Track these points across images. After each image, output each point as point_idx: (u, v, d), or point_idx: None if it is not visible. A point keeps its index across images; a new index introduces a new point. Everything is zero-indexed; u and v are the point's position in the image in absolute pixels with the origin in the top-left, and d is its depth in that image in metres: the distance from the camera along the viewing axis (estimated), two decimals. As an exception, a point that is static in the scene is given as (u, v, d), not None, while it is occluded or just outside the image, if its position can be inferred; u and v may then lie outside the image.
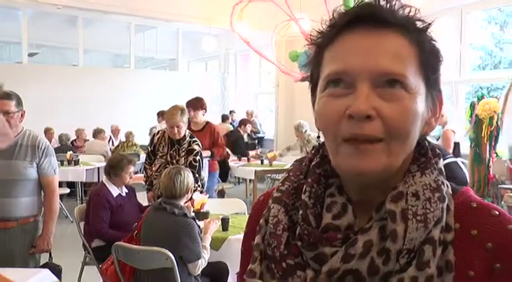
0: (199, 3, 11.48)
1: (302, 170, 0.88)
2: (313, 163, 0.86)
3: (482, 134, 6.90)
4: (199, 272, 3.28)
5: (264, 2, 7.74)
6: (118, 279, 3.36)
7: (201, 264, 3.27)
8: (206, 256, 3.36)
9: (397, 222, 0.73)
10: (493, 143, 6.83)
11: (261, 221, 0.86)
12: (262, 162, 8.78)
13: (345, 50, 0.77)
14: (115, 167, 4.40)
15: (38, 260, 3.44)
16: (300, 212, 0.80)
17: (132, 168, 4.55)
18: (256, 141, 12.85)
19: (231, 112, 13.35)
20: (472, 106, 7.24)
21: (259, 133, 12.88)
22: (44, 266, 3.31)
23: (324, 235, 0.77)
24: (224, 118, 12.29)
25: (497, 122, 6.80)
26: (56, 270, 3.20)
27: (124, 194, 4.45)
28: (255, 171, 7.88)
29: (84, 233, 4.27)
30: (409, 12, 0.79)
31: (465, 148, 7.12)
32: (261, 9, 8.26)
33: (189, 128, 5.19)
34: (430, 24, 0.80)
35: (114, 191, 4.37)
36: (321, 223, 0.79)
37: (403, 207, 0.74)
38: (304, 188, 0.83)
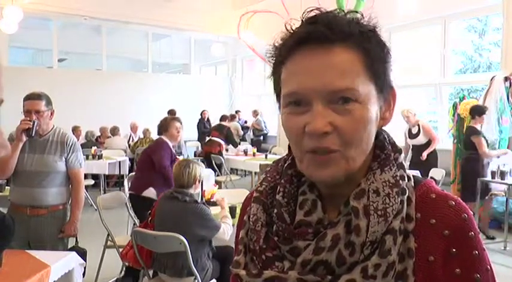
0: (210, 14, 11.48)
1: (278, 171, 0.87)
2: (285, 164, 0.87)
3: (464, 131, 6.86)
4: (229, 236, 3.33)
5: (268, 13, 7.73)
6: (137, 261, 3.36)
7: (226, 229, 3.32)
8: (229, 221, 3.42)
9: (360, 218, 0.73)
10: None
11: (245, 217, 0.87)
12: (266, 157, 8.79)
13: (296, 71, 0.76)
14: (162, 125, 4.67)
15: (66, 243, 3.43)
16: (275, 210, 0.81)
17: (177, 124, 4.68)
18: (261, 138, 12.84)
19: (237, 112, 13.32)
20: (455, 106, 7.21)
21: (262, 131, 12.85)
22: (71, 249, 3.31)
23: (297, 230, 0.78)
24: (232, 117, 12.26)
25: (477, 121, 6.76)
26: (82, 253, 3.20)
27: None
28: (260, 164, 7.91)
29: (131, 185, 4.71)
30: (351, 20, 0.76)
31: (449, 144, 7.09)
32: (265, 19, 8.25)
33: None
34: (375, 27, 0.78)
35: (171, 144, 4.66)
36: (294, 220, 0.80)
37: (365, 203, 0.74)
38: (278, 189, 0.83)
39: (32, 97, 3.24)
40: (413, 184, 0.82)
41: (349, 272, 0.73)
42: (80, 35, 13.08)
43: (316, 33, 0.73)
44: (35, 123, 3.13)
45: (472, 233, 0.78)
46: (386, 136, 0.84)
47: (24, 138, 3.15)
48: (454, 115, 7.15)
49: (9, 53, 11.82)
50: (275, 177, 0.86)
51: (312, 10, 0.78)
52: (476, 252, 0.77)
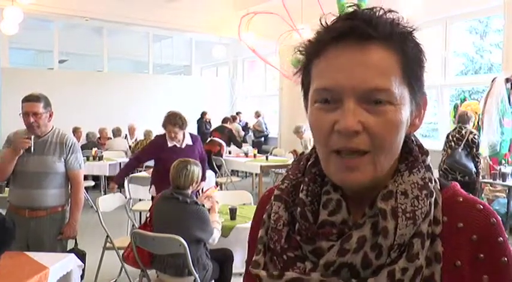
0: (210, 15, 11.47)
1: (300, 169, 0.85)
2: (309, 162, 0.84)
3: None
4: (216, 242, 3.38)
5: (269, 14, 7.71)
6: (138, 263, 3.35)
7: (216, 235, 3.37)
8: (219, 227, 3.45)
9: (387, 220, 0.71)
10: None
11: (264, 216, 0.85)
12: (267, 158, 8.78)
13: (330, 66, 0.73)
14: (163, 125, 4.64)
15: (65, 245, 3.42)
16: (298, 209, 0.78)
17: (172, 128, 4.55)
18: (262, 139, 12.84)
19: (238, 113, 13.33)
20: (456, 108, 7.21)
21: (263, 132, 12.85)
22: (70, 251, 3.30)
23: (321, 230, 0.75)
24: (233, 118, 12.26)
25: (478, 122, 6.75)
26: (81, 255, 3.19)
27: (184, 146, 4.62)
28: (261, 166, 7.89)
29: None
30: (392, 20, 0.74)
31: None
32: (266, 20, 8.24)
33: None
34: (413, 29, 0.76)
35: (170, 142, 4.59)
36: (318, 219, 0.77)
37: (393, 205, 0.72)
38: (301, 187, 0.81)
39: (30, 99, 3.22)
40: (439, 187, 0.80)
41: (375, 276, 0.71)
42: (80, 36, 13.07)
43: (357, 29, 0.71)
44: (34, 138, 3.13)
45: (501, 238, 0.75)
46: (413, 138, 0.82)
47: (22, 152, 3.17)
48: (455, 117, 7.14)
49: (9, 54, 11.83)
50: (297, 175, 0.84)
51: (349, 6, 0.75)
52: (505, 258, 0.74)
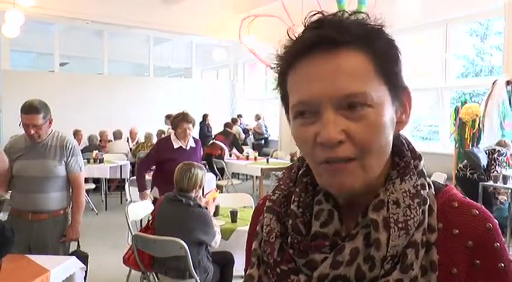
0: (211, 18, 11.49)
1: (291, 178, 0.84)
2: (300, 172, 0.83)
3: (466, 136, 6.86)
4: (218, 245, 3.36)
5: (269, 17, 7.73)
6: (139, 266, 3.35)
7: (218, 238, 3.36)
8: (218, 229, 3.44)
9: (379, 231, 0.70)
10: (475, 144, 6.79)
11: (257, 228, 0.84)
12: (267, 161, 8.78)
13: (303, 79, 0.72)
14: (173, 123, 4.64)
15: (67, 247, 3.42)
16: (290, 221, 0.77)
17: (185, 125, 4.55)
18: (263, 142, 12.84)
19: (238, 116, 13.33)
20: (456, 110, 7.21)
21: (263, 135, 12.85)
22: (73, 253, 3.30)
23: (313, 243, 0.74)
24: (233, 121, 12.26)
25: (479, 125, 6.76)
26: (83, 257, 3.19)
27: (188, 148, 4.60)
28: (261, 168, 7.90)
29: None
30: (358, 21, 0.72)
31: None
32: (266, 23, 8.26)
33: None
34: (382, 26, 0.74)
35: (176, 143, 4.57)
36: (310, 230, 0.76)
37: (384, 215, 0.71)
38: (293, 198, 0.80)
39: (29, 111, 3.16)
40: (434, 192, 0.78)
41: None
42: (81, 39, 13.10)
43: (324, 38, 0.70)
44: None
45: (498, 244, 0.73)
46: (405, 141, 0.81)
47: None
48: (455, 119, 7.14)
49: (10, 56, 11.84)
50: (288, 185, 0.83)
51: (314, 14, 0.74)
52: (502, 264, 0.73)
